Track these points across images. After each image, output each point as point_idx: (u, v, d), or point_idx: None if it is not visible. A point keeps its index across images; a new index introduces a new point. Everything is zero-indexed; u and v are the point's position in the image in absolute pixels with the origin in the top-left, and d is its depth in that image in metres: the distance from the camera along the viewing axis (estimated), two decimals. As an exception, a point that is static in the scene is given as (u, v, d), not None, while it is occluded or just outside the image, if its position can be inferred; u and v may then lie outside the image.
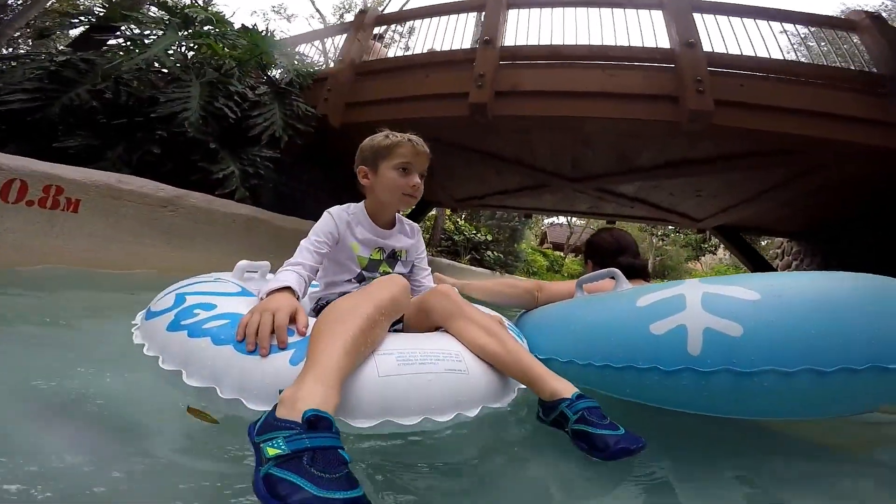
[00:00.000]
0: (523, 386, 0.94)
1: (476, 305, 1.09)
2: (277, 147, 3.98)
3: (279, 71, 4.50)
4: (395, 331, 1.02)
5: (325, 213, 1.25)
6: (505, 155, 5.12)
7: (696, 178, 4.85)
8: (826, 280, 0.93)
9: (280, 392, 0.66)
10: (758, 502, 0.81)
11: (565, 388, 0.86)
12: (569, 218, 29.46)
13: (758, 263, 7.04)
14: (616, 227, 1.89)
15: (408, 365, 0.79)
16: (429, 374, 0.79)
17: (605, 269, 1.42)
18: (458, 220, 12.85)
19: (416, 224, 1.42)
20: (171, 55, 3.75)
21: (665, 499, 0.78)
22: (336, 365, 0.69)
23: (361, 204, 1.31)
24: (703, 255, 22.29)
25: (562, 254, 23.15)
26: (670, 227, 19.40)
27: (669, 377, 0.91)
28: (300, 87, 4.50)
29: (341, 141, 4.91)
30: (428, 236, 11.95)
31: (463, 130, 4.41)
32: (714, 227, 6.96)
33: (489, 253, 12.34)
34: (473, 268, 10.05)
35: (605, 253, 1.76)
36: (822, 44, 3.61)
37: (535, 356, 1.01)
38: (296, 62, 4.60)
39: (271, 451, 0.53)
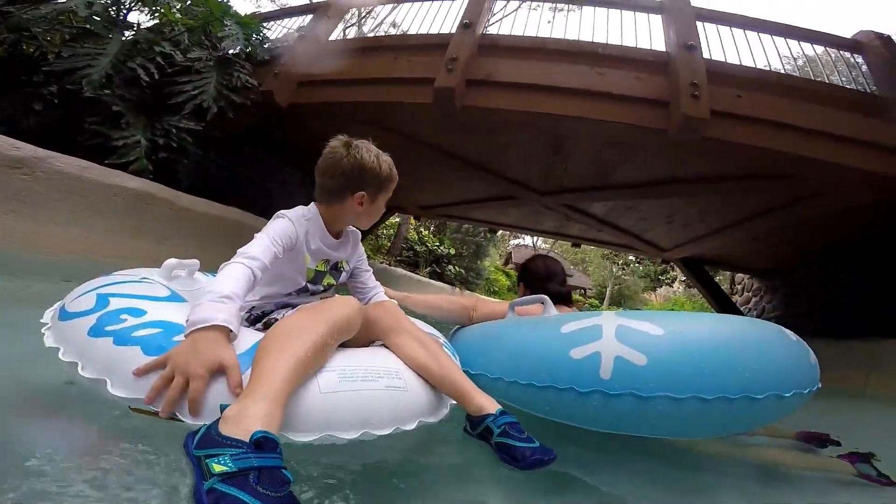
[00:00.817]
0: (454, 401, 1.04)
1: (415, 321, 1.21)
2: (203, 119, 3.36)
3: (228, 39, 3.91)
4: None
5: (282, 216, 1.13)
6: (473, 158, 4.69)
7: (673, 201, 4.59)
8: (719, 322, 1.09)
9: (222, 407, 0.68)
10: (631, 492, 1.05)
11: (490, 405, 0.99)
12: (534, 239, 29.72)
13: (719, 298, 6.92)
14: (548, 256, 2.13)
15: (349, 382, 0.83)
16: (369, 390, 0.85)
17: (536, 296, 1.57)
18: (423, 230, 12.34)
19: (357, 230, 1.38)
20: (95, 9, 3.11)
21: (570, 493, 0.98)
22: (283, 384, 0.70)
23: (316, 211, 1.22)
24: (660, 287, 22.88)
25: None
26: (632, 256, 19.75)
27: (583, 397, 1.04)
28: (256, 63, 3.92)
29: (292, 124, 4.30)
30: (389, 244, 11.36)
31: (428, 124, 3.93)
32: (680, 259, 6.80)
33: (451, 267, 11.87)
34: (432, 281, 9.52)
35: (535, 278, 1.90)
36: (825, 60, 3.41)
37: (467, 371, 1.21)
38: (253, 35, 4.00)
39: (217, 468, 0.53)
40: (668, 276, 18.76)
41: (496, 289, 16.11)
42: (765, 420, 1.15)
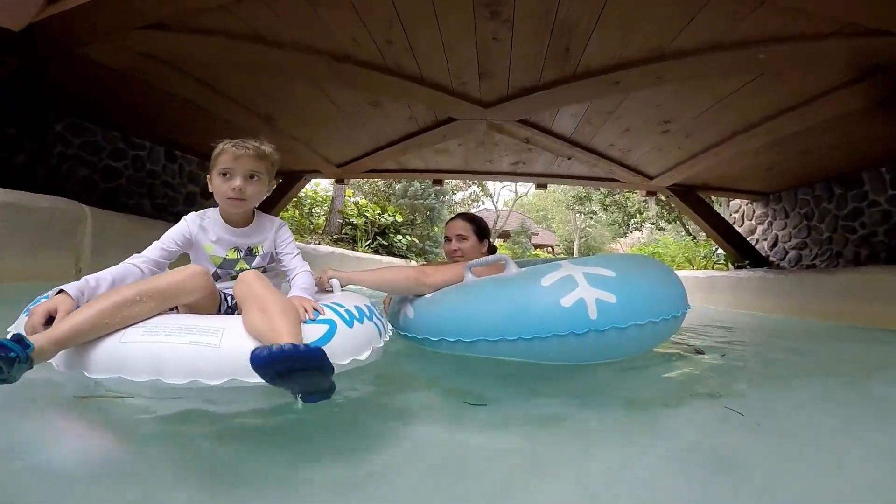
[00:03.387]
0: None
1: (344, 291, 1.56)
2: None
3: None
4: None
5: (183, 218, 1.37)
6: (376, 62, 2.98)
7: (665, 96, 3.09)
8: (640, 260, 1.61)
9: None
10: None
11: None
12: (496, 200, 28.37)
13: (722, 229, 5.63)
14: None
15: (151, 335, 0.96)
16: (168, 343, 0.95)
17: (496, 255, 1.75)
18: (363, 200, 10.49)
19: (277, 219, 1.48)
20: None
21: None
22: (74, 325, 0.93)
23: (217, 208, 1.40)
24: (625, 237, 22.10)
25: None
26: (595, 208, 18.62)
27: (580, 338, 1.28)
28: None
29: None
30: (324, 221, 9.53)
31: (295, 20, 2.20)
32: (669, 188, 5.41)
33: (399, 237, 10.22)
34: (375, 256, 7.84)
35: (487, 232, 2.06)
36: None
37: (460, 340, 1.43)
38: None
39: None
40: (637, 220, 17.77)
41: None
42: (673, 333, 1.61)
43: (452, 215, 2.30)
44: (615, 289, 1.30)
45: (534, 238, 27.06)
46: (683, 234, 14.96)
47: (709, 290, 5.18)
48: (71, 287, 1.03)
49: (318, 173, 5.93)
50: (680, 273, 6.50)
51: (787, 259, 5.42)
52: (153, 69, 3.01)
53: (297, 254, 1.46)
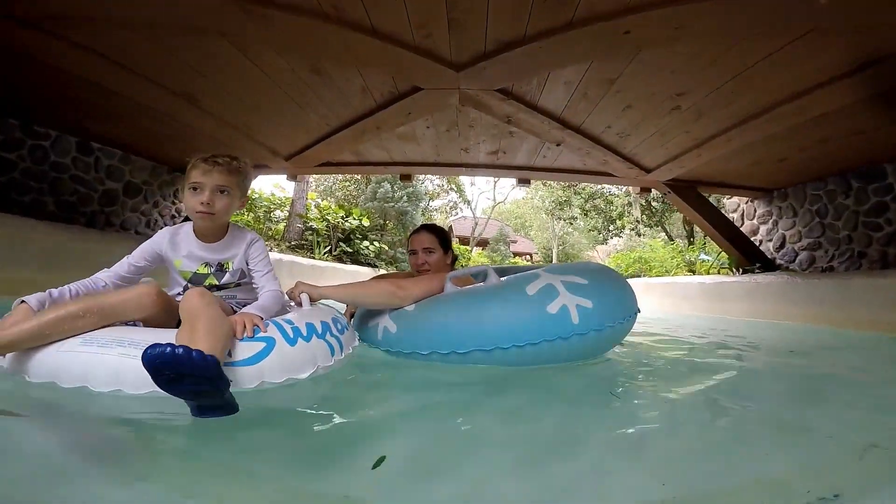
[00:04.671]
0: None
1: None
2: None
3: None
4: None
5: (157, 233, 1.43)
6: (306, 5, 2.20)
7: (690, 59, 2.42)
8: (601, 268, 1.66)
9: None
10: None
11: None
12: (474, 207, 27.86)
13: (725, 229, 5.05)
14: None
15: (86, 345, 1.03)
16: (97, 354, 1.01)
17: (479, 266, 1.72)
18: (325, 202, 9.50)
19: (249, 233, 1.47)
20: None
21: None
22: (21, 331, 1.02)
23: (191, 223, 1.41)
24: (605, 243, 21.79)
25: (468, 247, 21.05)
26: (576, 213, 18.20)
27: (566, 342, 1.39)
28: None
29: None
30: (284, 226, 8.57)
31: None
32: (667, 182, 4.79)
33: (366, 243, 9.18)
34: (337, 265, 6.95)
35: (450, 244, 2.04)
36: None
37: (453, 352, 1.46)
38: None
39: None
40: (618, 225, 17.39)
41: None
42: (629, 331, 1.68)
43: (417, 227, 2.16)
44: (590, 295, 1.43)
45: (513, 246, 26.61)
46: (664, 239, 14.60)
47: (718, 298, 4.55)
48: (32, 298, 1.12)
49: (265, 168, 5.06)
50: (680, 280, 5.91)
51: (797, 261, 4.86)
52: (40, 43, 2.29)
53: (268, 272, 1.45)
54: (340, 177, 12.53)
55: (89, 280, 1.25)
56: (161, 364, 0.76)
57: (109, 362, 0.98)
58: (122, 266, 1.33)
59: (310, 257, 6.87)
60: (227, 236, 1.41)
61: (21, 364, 1.03)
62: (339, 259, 8.11)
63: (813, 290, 3.49)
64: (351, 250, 8.65)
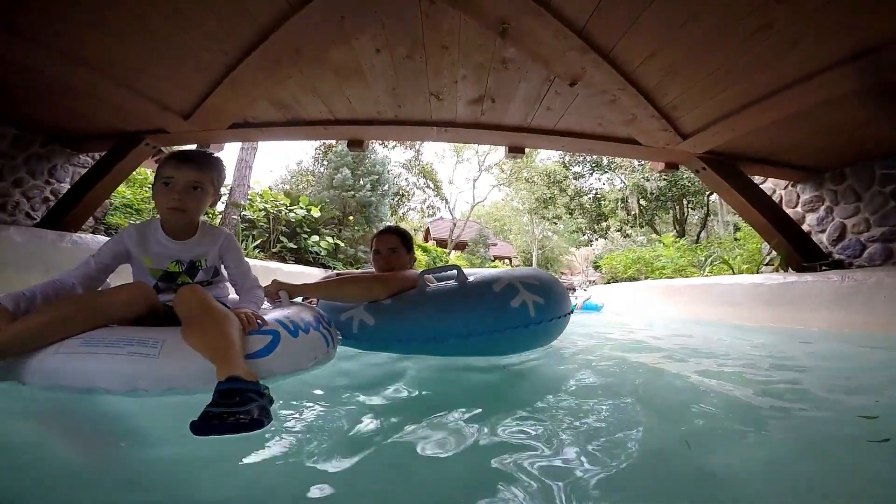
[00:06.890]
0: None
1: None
2: None
3: None
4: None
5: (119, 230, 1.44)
6: None
7: None
8: (546, 273, 1.89)
9: None
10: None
11: (227, 372, 0.90)
12: (451, 207, 26.67)
13: (772, 214, 3.94)
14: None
15: (88, 346, 0.98)
16: (104, 354, 0.96)
17: (450, 265, 1.99)
18: (267, 189, 7.83)
19: (224, 232, 1.45)
20: None
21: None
22: (16, 332, 0.97)
23: (159, 219, 1.36)
24: (589, 245, 20.85)
25: (445, 250, 19.80)
26: (560, 211, 17.17)
27: (526, 330, 1.61)
28: None
29: None
30: (219, 220, 7.06)
31: None
32: (701, 155, 3.65)
33: (316, 239, 7.50)
34: (271, 264, 5.49)
35: (412, 245, 2.15)
36: None
37: (418, 341, 1.63)
38: None
39: None
40: (602, 226, 16.43)
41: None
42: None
43: (381, 229, 2.17)
44: (541, 293, 1.68)
45: (492, 249, 25.58)
46: (653, 240, 13.66)
47: (784, 304, 3.42)
48: (6, 298, 1.07)
49: (162, 133, 3.65)
50: (723, 280, 4.73)
51: (865, 255, 3.80)
52: None
53: (246, 268, 1.47)
54: (295, 167, 10.98)
55: (57, 280, 1.20)
56: (222, 433, 0.75)
57: (122, 363, 0.95)
58: (88, 266, 1.29)
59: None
60: (198, 233, 1.40)
61: (15, 369, 0.98)
62: (281, 258, 6.62)
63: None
64: (296, 247, 7.12)
